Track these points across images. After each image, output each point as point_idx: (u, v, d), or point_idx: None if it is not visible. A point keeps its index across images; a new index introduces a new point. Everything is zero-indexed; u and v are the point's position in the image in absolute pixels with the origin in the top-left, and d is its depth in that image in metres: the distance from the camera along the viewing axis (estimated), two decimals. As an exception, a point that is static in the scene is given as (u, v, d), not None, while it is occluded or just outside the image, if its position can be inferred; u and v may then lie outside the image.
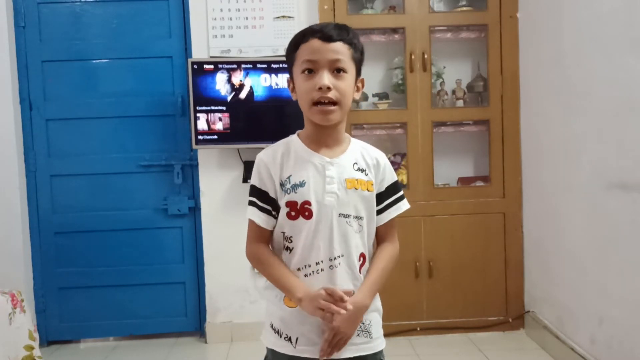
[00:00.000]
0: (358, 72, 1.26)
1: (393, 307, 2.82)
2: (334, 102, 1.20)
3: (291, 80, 1.28)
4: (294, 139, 1.29)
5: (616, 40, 2.04)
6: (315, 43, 1.20)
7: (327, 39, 1.19)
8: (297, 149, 1.27)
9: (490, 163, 2.91)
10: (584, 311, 2.32)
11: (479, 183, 2.97)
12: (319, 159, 1.25)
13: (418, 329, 2.88)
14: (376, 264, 1.30)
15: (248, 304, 2.94)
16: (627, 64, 1.97)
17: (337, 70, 1.20)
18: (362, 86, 1.31)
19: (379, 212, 1.31)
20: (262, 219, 1.26)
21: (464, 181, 3.01)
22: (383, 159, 1.32)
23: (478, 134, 3.01)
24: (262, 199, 1.26)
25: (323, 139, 1.26)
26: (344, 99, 1.21)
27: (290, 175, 1.23)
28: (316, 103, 1.20)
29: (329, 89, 1.18)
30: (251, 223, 1.28)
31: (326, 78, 1.18)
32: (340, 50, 1.20)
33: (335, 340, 1.21)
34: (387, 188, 1.32)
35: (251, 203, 1.27)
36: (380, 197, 1.31)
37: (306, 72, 1.21)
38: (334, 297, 1.16)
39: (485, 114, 2.89)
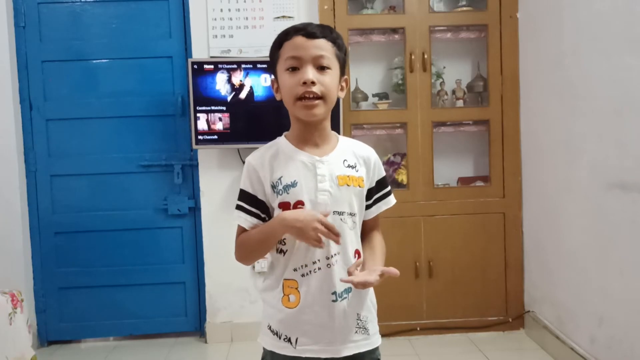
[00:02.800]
0: (342, 71, 1.27)
1: (393, 307, 2.83)
2: (318, 97, 1.20)
3: (275, 80, 1.29)
4: (281, 141, 1.30)
5: (616, 40, 2.04)
6: (298, 40, 1.21)
7: (311, 35, 1.20)
8: (285, 149, 1.27)
9: (490, 163, 2.91)
10: (584, 311, 2.32)
11: (479, 183, 2.97)
12: (308, 158, 1.25)
13: (418, 329, 2.88)
14: (374, 244, 1.31)
15: (248, 304, 2.94)
16: (626, 64, 1.97)
17: (321, 67, 1.21)
18: (347, 85, 1.31)
19: (369, 206, 1.32)
20: (248, 222, 1.26)
21: (464, 181, 3.01)
22: (373, 154, 1.33)
23: (478, 134, 3.01)
24: (250, 202, 1.26)
25: (310, 137, 1.26)
26: (329, 93, 1.22)
27: (282, 177, 1.23)
28: (300, 98, 1.20)
29: (313, 83, 1.19)
30: (239, 228, 1.29)
31: (310, 72, 1.19)
32: (323, 46, 1.21)
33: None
34: (377, 182, 1.33)
35: (238, 207, 1.27)
36: (370, 192, 1.31)
37: (290, 69, 1.21)
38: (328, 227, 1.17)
39: (485, 114, 2.89)
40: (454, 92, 2.96)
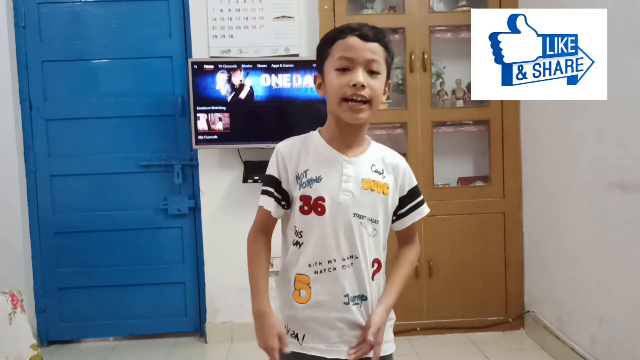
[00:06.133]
0: (387, 75, 1.26)
1: (393, 307, 2.82)
2: (365, 101, 1.19)
3: (320, 76, 1.27)
4: (314, 135, 1.29)
5: (616, 40, 2.04)
6: (353, 40, 1.19)
7: (365, 38, 1.19)
8: (317, 145, 1.26)
9: (490, 163, 2.91)
10: (584, 311, 2.32)
11: (479, 183, 2.97)
12: (337, 156, 1.25)
13: (418, 329, 2.88)
14: (398, 273, 1.31)
15: (248, 304, 2.91)
16: (627, 64, 1.97)
17: (372, 72, 1.20)
18: (389, 89, 1.30)
19: (402, 215, 1.31)
20: (273, 208, 1.25)
21: (464, 181, 3.01)
22: (403, 162, 1.32)
23: (478, 134, 3.01)
24: (276, 188, 1.25)
25: (344, 138, 1.26)
26: (376, 98, 1.21)
27: (307, 170, 1.23)
28: (347, 100, 1.19)
29: (363, 86, 1.18)
30: (261, 211, 1.27)
31: (361, 75, 1.18)
32: (376, 50, 1.20)
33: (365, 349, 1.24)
34: (409, 192, 1.31)
35: (265, 192, 1.26)
36: (402, 201, 1.30)
37: (341, 69, 1.20)
38: (282, 342, 1.22)
39: (485, 114, 2.89)
40: (454, 92, 2.96)
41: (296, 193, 1.23)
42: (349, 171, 1.23)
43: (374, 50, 1.19)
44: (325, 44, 1.24)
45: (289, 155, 1.25)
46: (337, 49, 1.21)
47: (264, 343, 1.22)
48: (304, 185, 1.22)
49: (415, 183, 1.33)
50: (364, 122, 1.23)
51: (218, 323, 2.95)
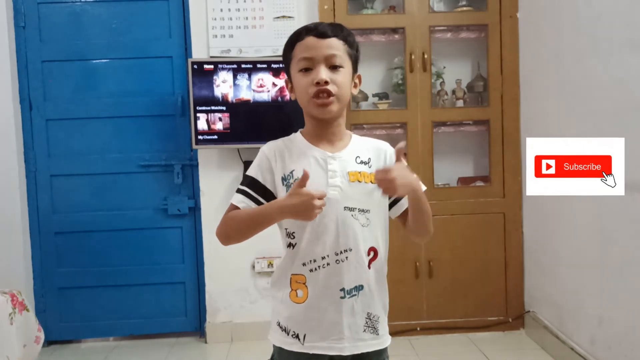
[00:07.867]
0: (355, 69, 1.28)
1: (393, 307, 2.79)
2: (331, 95, 1.21)
3: (289, 80, 1.30)
4: (296, 136, 1.31)
5: (616, 40, 2.04)
6: (310, 40, 1.22)
7: (322, 35, 1.22)
8: (299, 144, 1.28)
9: (490, 163, 2.91)
10: (584, 311, 2.32)
11: (479, 183, 2.97)
12: (320, 154, 1.25)
13: (418, 329, 2.88)
14: None
15: (248, 304, 2.94)
16: (627, 64, 1.97)
17: (334, 67, 1.22)
18: (360, 82, 1.32)
19: (397, 200, 1.31)
20: (248, 206, 1.24)
21: (464, 181, 3.01)
22: (385, 146, 1.32)
23: (478, 134, 3.01)
24: (257, 190, 1.25)
25: (324, 134, 1.27)
26: (342, 92, 1.23)
27: (293, 170, 1.24)
28: (314, 97, 1.21)
29: (326, 82, 1.20)
30: (231, 205, 1.26)
31: (323, 72, 1.20)
32: (335, 45, 1.22)
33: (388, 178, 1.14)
34: None
35: (241, 191, 1.25)
36: None
37: (303, 69, 1.23)
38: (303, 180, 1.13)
39: (485, 114, 2.90)
40: (454, 92, 2.96)
41: (283, 195, 1.22)
42: (334, 167, 1.24)
43: (332, 46, 1.22)
44: (287, 49, 1.27)
45: (274, 157, 1.26)
46: (298, 51, 1.24)
47: (301, 204, 1.12)
48: (290, 185, 1.22)
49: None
50: (335, 115, 1.25)
51: (218, 323, 2.95)
